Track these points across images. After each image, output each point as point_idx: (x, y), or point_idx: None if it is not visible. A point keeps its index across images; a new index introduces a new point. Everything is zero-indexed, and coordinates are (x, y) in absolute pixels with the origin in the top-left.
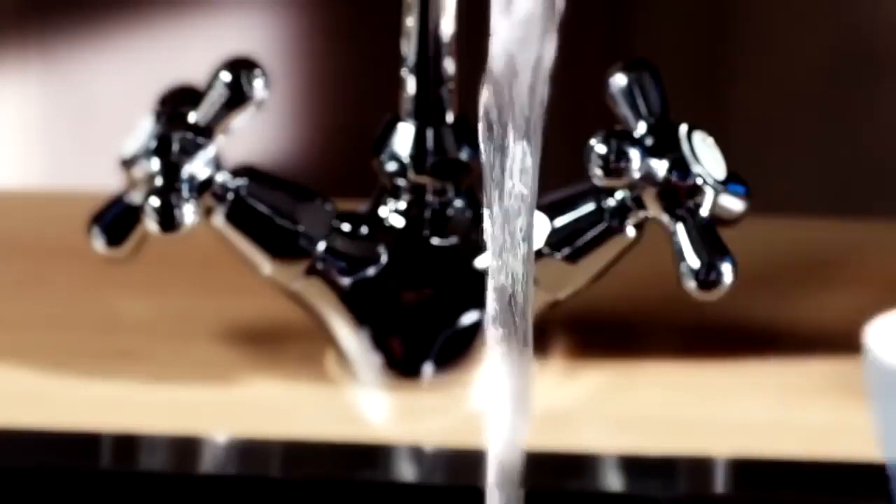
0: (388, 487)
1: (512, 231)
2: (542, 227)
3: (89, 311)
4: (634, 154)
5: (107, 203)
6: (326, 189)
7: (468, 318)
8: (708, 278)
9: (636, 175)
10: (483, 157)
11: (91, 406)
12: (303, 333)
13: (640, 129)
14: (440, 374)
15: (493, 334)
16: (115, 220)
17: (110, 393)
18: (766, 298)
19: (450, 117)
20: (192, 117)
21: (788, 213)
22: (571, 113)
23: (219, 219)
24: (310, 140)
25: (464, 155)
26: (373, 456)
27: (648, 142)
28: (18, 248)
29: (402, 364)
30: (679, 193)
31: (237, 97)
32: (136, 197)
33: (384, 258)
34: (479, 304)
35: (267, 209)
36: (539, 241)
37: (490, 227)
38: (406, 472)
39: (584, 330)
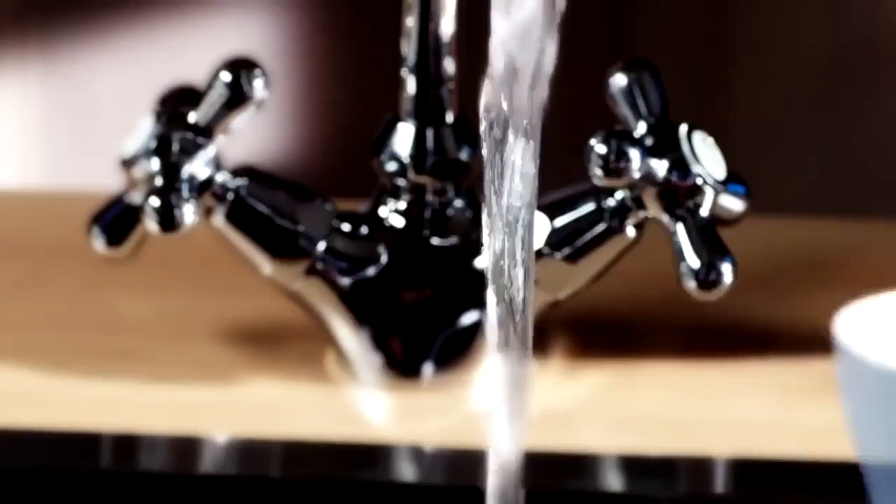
0: (388, 487)
1: (512, 231)
2: (542, 227)
3: (89, 311)
4: (634, 154)
5: (107, 203)
6: (326, 189)
7: (468, 318)
8: (708, 278)
9: (636, 175)
10: (483, 157)
11: (91, 406)
12: (303, 333)
13: (640, 129)
14: (440, 374)
15: (492, 334)
16: (115, 220)
17: (110, 393)
18: (766, 298)
19: (450, 117)
20: (192, 117)
21: (788, 213)
22: (571, 113)
23: (219, 219)
24: (310, 140)
25: (464, 155)
26: (373, 456)
27: (648, 142)
28: (18, 248)
29: (402, 364)
30: (679, 193)
31: (237, 97)
32: (136, 197)
33: (384, 258)
34: (479, 304)
35: (267, 209)
36: (539, 241)
37: (490, 228)
38: (406, 472)
39: (584, 330)
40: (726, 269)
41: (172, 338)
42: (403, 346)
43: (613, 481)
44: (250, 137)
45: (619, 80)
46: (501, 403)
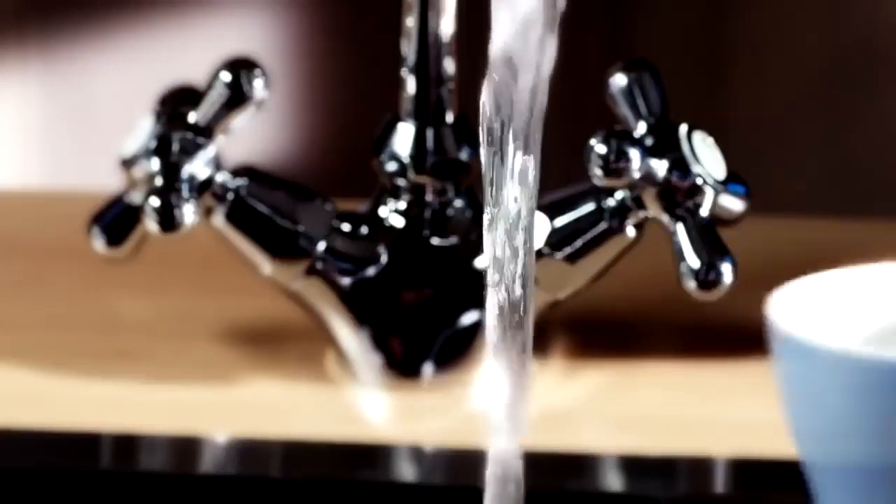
0: (388, 487)
1: (512, 231)
2: (542, 227)
3: (89, 311)
4: (634, 154)
5: (107, 203)
6: (326, 189)
7: (468, 318)
8: (708, 278)
9: (636, 175)
10: (483, 157)
11: (91, 406)
12: (303, 333)
13: (640, 129)
14: (440, 374)
15: (492, 334)
16: (115, 220)
17: (110, 393)
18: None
19: (450, 117)
20: (192, 117)
21: (788, 213)
22: (571, 113)
23: (219, 219)
24: (310, 140)
25: (464, 155)
26: (373, 456)
27: (648, 142)
28: (18, 248)
29: (402, 364)
30: (679, 193)
31: (237, 97)
32: (136, 197)
33: (384, 258)
34: (479, 304)
35: (267, 209)
36: (539, 241)
37: (490, 228)
38: (406, 472)
39: (584, 330)
40: (726, 269)
41: (172, 338)
42: (403, 346)
43: (613, 481)
44: (250, 137)
45: (619, 80)
46: (501, 403)
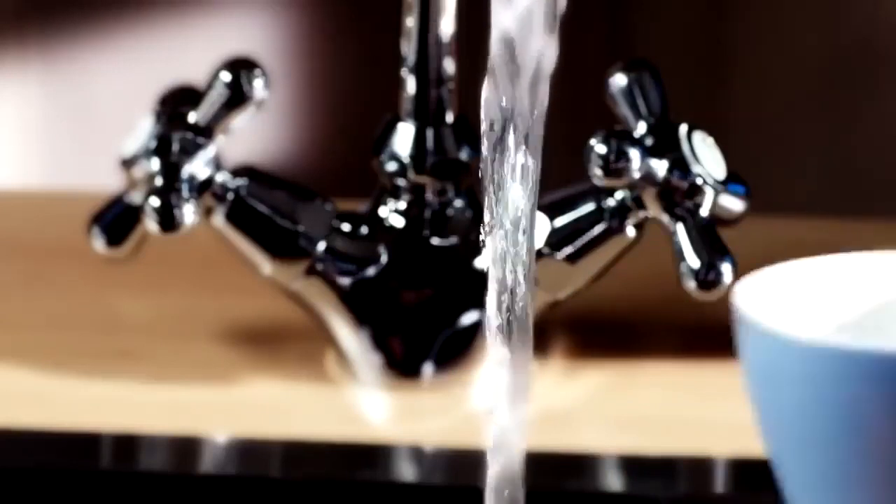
0: (388, 487)
1: (512, 231)
2: (542, 227)
3: (89, 311)
4: (634, 154)
5: (107, 203)
6: (326, 189)
7: (468, 318)
8: (708, 278)
9: (636, 175)
10: (483, 157)
11: (91, 406)
12: (303, 333)
13: (640, 129)
14: (440, 374)
15: (492, 335)
16: (115, 220)
17: (110, 393)
18: None
19: (450, 117)
20: (192, 117)
21: (788, 213)
22: (571, 113)
23: (219, 219)
24: (310, 140)
25: (464, 155)
26: (373, 456)
27: (648, 142)
28: (18, 248)
29: (402, 364)
30: (679, 193)
31: (237, 97)
32: (136, 197)
33: (384, 258)
34: (479, 304)
35: (267, 209)
36: (539, 241)
37: (490, 228)
38: (406, 472)
39: (584, 330)
40: (726, 269)
41: (172, 338)
42: (403, 346)
43: (613, 481)
44: (250, 137)
45: (619, 80)
46: (501, 403)
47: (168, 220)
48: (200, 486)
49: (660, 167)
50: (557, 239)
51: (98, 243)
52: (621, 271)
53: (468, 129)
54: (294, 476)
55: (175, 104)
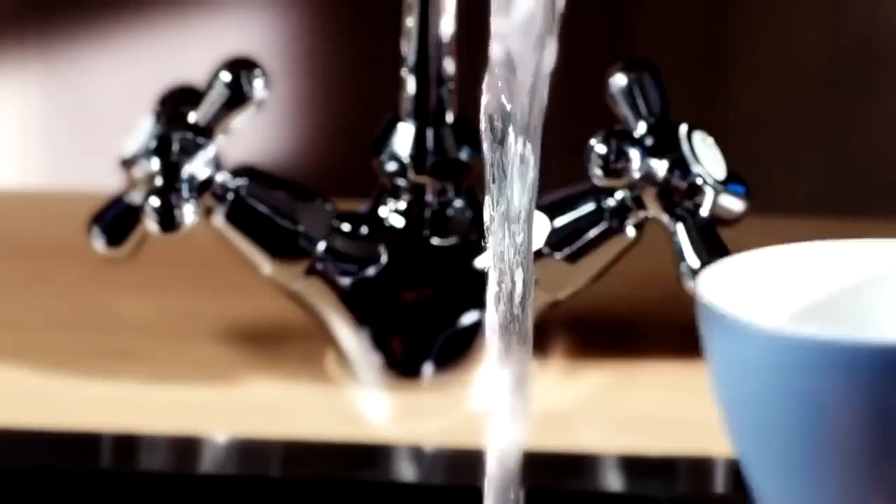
0: (388, 487)
1: (512, 231)
2: (542, 227)
3: (89, 311)
4: (634, 154)
5: (107, 203)
6: (326, 189)
7: (468, 318)
8: None
9: (636, 175)
10: (483, 157)
11: (91, 406)
12: (303, 333)
13: (640, 129)
14: (440, 374)
15: (492, 334)
16: (115, 220)
17: (110, 393)
18: None
19: (450, 117)
20: (192, 117)
21: (788, 213)
22: (571, 113)
23: (219, 219)
24: (310, 140)
25: (464, 155)
26: (373, 456)
27: (648, 142)
28: (18, 248)
29: (402, 364)
30: (679, 193)
31: (237, 97)
32: (136, 197)
33: (384, 258)
34: (479, 304)
35: (267, 209)
36: (539, 241)
37: (490, 228)
38: (406, 472)
39: (584, 330)
40: None
41: (172, 338)
42: (403, 346)
43: (613, 481)
44: (250, 137)
45: (619, 80)
46: (501, 403)
47: (168, 220)
48: (200, 486)
49: (660, 167)
50: (557, 239)
51: (98, 243)
52: (621, 271)
53: (468, 129)
54: (294, 476)
55: (175, 104)
